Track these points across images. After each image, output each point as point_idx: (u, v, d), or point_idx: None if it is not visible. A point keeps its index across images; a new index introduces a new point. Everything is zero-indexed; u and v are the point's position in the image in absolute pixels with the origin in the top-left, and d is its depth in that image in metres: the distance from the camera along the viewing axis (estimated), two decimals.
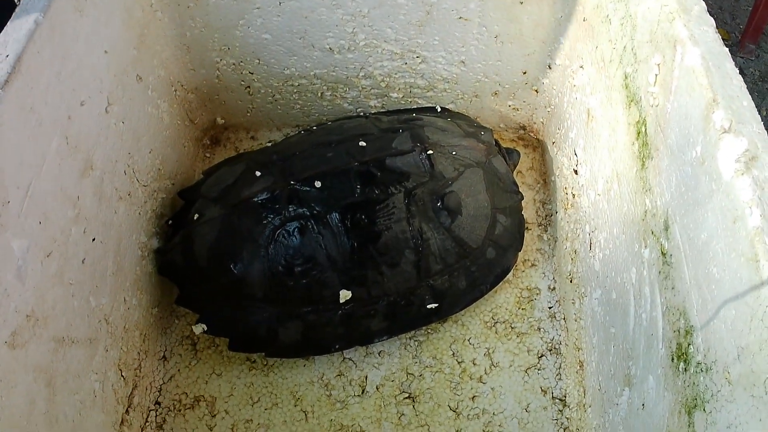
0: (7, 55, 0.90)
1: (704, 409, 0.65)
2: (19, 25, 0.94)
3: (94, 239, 1.05)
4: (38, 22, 0.95)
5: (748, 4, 1.95)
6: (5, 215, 0.84)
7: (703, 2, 0.81)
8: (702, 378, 0.66)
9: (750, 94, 1.62)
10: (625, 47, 0.92)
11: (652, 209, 0.81)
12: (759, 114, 1.51)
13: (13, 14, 0.98)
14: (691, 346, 0.69)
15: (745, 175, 0.61)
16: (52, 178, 0.97)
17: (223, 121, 1.54)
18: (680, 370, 0.71)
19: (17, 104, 0.89)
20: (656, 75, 0.82)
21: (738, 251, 0.60)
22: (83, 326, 1.04)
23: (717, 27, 1.76)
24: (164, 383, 1.25)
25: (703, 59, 0.71)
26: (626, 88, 0.92)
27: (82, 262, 1.02)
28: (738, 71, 0.72)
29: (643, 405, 0.81)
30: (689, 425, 0.68)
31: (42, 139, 0.95)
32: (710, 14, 1.68)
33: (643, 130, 0.86)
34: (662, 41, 0.81)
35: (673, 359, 0.73)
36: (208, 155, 1.51)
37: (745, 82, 1.71)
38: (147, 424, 1.20)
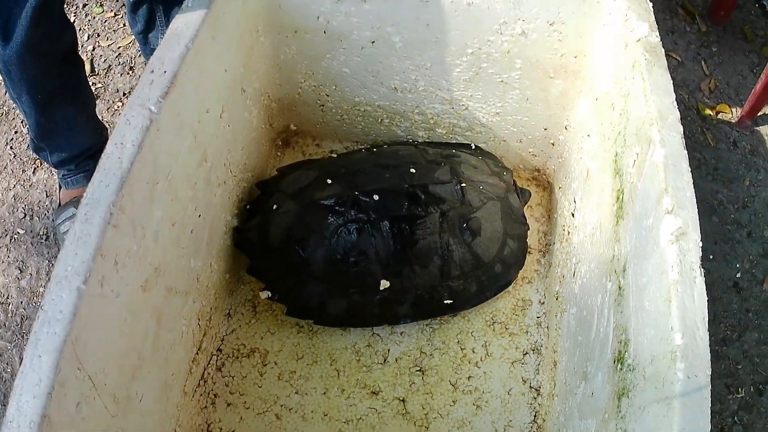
0: (165, 71, 1.08)
1: (628, 396, 0.93)
2: (172, 47, 1.12)
3: (200, 215, 1.25)
4: (188, 47, 1.12)
5: (754, 83, 2.06)
6: (155, 193, 1.05)
7: (677, 113, 1.02)
8: (629, 375, 0.94)
9: (739, 165, 1.91)
10: (620, 132, 1.16)
11: (617, 255, 1.08)
12: (743, 183, 1.79)
13: (165, 37, 1.15)
14: (626, 353, 0.97)
15: (674, 244, 0.89)
16: (182, 166, 1.15)
17: (296, 128, 1.71)
18: (617, 369, 0.98)
19: (171, 111, 1.08)
20: (635, 161, 1.06)
21: (661, 294, 0.88)
22: (183, 281, 1.23)
23: (720, 102, 2.02)
24: (226, 335, 1.43)
25: (665, 158, 0.97)
26: (615, 162, 1.16)
27: (191, 232, 1.22)
28: (688, 166, 0.96)
29: (592, 394, 1.07)
30: (618, 408, 0.95)
31: (182, 137, 1.14)
32: (718, 88, 1.97)
33: (621, 197, 1.11)
34: (643, 138, 1.04)
35: (614, 362, 1.00)
36: (279, 155, 1.71)
37: (737, 154, 1.98)
38: (209, 365, 1.38)
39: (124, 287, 0.98)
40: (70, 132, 1.60)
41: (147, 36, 1.82)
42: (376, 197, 1.33)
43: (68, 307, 0.87)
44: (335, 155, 1.66)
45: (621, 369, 0.97)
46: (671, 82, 1.09)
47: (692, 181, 0.97)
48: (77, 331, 0.87)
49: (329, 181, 1.37)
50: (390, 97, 1.55)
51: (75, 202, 1.67)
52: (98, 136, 1.68)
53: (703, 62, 2.11)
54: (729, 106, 2.03)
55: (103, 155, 0.98)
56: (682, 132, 1.03)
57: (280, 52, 1.50)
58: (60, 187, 1.76)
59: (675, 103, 1.05)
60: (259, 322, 1.46)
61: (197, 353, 1.34)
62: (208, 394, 1.37)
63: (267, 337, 1.44)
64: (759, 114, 1.98)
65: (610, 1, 1.23)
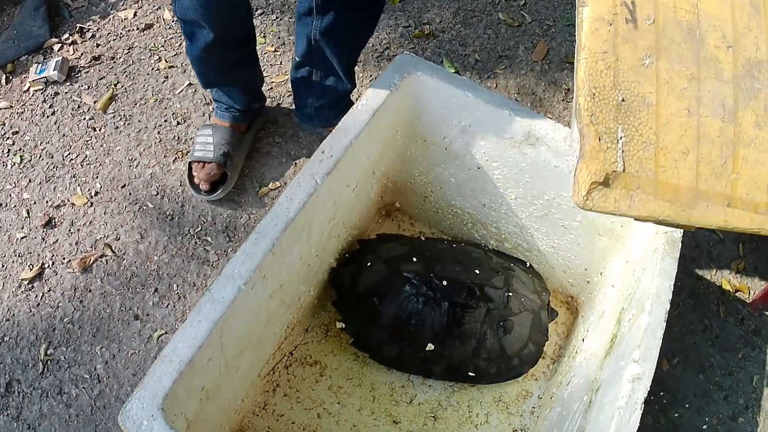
0: (331, 156, 1.39)
1: None
2: (340, 138, 1.41)
3: (317, 255, 1.58)
4: (352, 142, 1.41)
5: None
6: (300, 236, 1.41)
7: (670, 295, 1.33)
8: None
9: (738, 339, 2.22)
10: (630, 294, 1.47)
11: (597, 379, 1.40)
12: (736, 355, 2.05)
13: (336, 128, 1.40)
14: None
15: (630, 383, 1.24)
16: (320, 221, 1.47)
17: (399, 206, 1.99)
18: None
19: (328, 184, 1.39)
20: (630, 318, 1.38)
21: (611, 412, 1.24)
22: (291, 298, 1.53)
23: (742, 282, 2.19)
24: (299, 344, 1.71)
25: (647, 324, 1.29)
26: (620, 314, 1.47)
27: (308, 265, 1.55)
28: (662, 334, 1.28)
29: None
30: None
31: (328, 201, 1.45)
32: (745, 270, 2.12)
33: (614, 340, 1.43)
34: (639, 305, 1.36)
35: None
36: (379, 221, 1.98)
37: (740, 329, 2.27)
38: (281, 362, 1.67)
39: (262, 292, 1.38)
40: (233, 96, 2.05)
41: (300, 91, 2.18)
42: (444, 282, 1.62)
43: (229, 296, 1.28)
44: (423, 237, 1.94)
45: None
46: (676, 269, 1.40)
47: (660, 343, 1.29)
48: (228, 313, 1.26)
49: (414, 259, 1.68)
50: (478, 209, 1.83)
51: (215, 127, 2.08)
52: (251, 105, 2.13)
53: (741, 245, 2.26)
54: (749, 288, 2.16)
55: (276, 203, 1.38)
56: (668, 308, 1.34)
57: (407, 150, 1.78)
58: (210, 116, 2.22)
59: (672, 286, 1.37)
60: (327, 343, 1.74)
61: (276, 351, 1.62)
62: (273, 383, 1.66)
63: (330, 356, 1.72)
64: None
65: None
